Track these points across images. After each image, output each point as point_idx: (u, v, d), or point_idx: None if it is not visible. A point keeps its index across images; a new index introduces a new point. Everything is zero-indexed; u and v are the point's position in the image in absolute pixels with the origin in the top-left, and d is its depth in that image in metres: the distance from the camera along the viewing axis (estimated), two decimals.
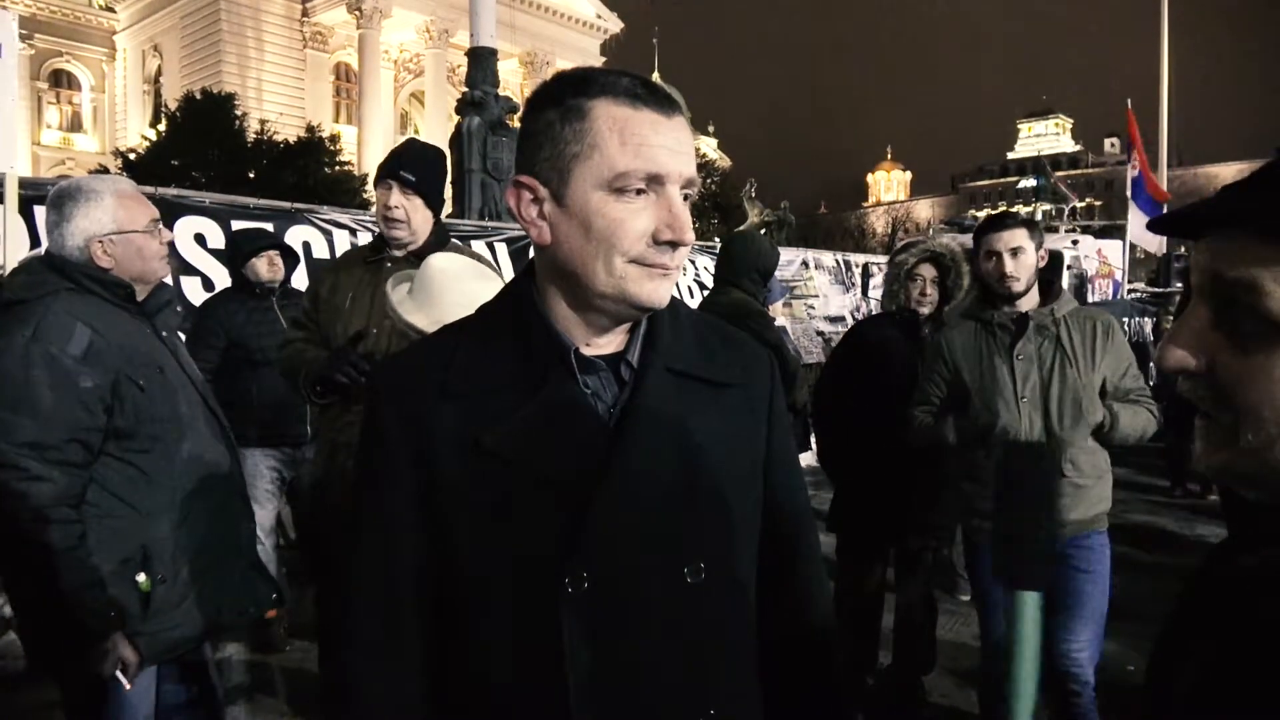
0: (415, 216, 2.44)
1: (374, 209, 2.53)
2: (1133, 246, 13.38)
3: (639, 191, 0.87)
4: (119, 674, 1.81)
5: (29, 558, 1.74)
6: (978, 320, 2.65)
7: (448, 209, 8.75)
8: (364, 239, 4.79)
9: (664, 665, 0.92)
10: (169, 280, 2.13)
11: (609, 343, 0.96)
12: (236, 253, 3.83)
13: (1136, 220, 12.18)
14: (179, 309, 2.28)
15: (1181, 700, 0.61)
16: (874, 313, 3.42)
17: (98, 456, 1.84)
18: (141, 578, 1.86)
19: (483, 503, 0.90)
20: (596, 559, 0.89)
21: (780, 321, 4.46)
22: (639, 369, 0.95)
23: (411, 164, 2.44)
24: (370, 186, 2.65)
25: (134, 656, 1.83)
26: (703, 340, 1.02)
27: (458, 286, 2.03)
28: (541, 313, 0.95)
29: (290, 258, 3.92)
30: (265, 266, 3.75)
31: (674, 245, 0.89)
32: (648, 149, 0.87)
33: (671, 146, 0.88)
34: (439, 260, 2.14)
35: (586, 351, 0.94)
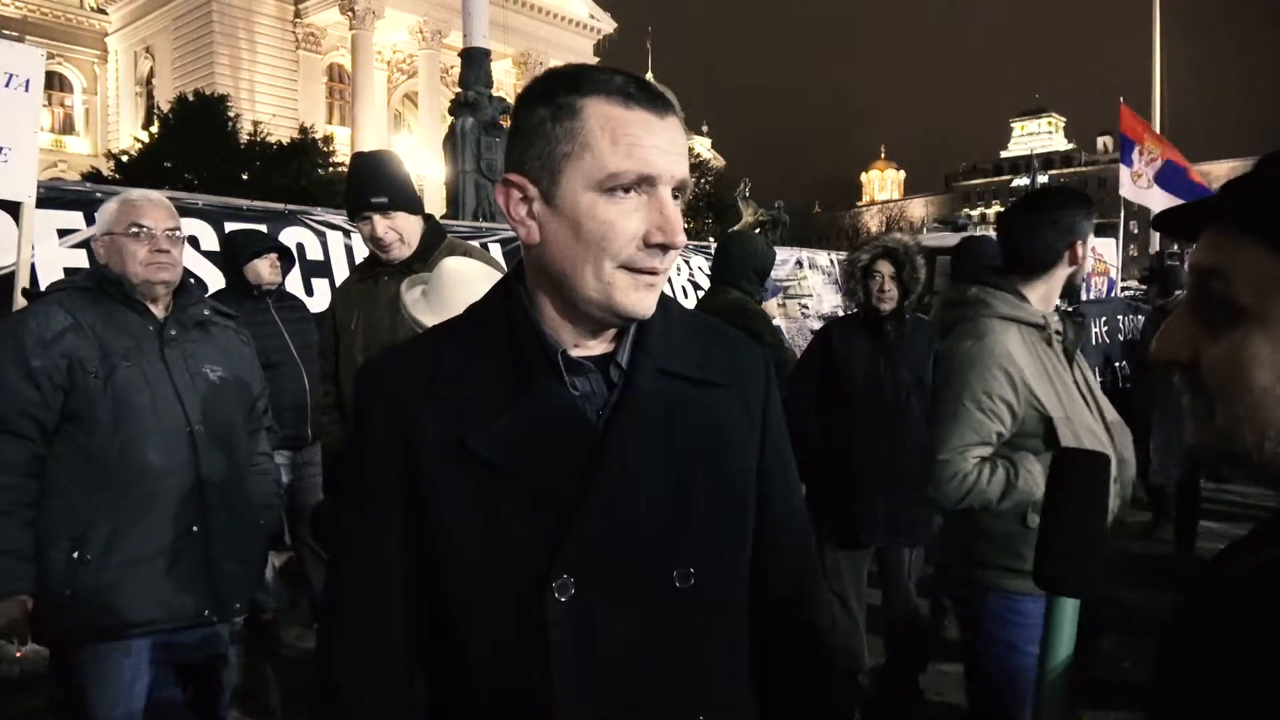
0: (406, 228, 2.41)
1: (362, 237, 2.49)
2: (1127, 245, 13.35)
3: (630, 192, 0.86)
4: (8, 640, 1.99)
5: None
6: (1023, 323, 1.99)
7: (442, 209, 8.75)
8: (358, 240, 4.75)
9: (652, 670, 0.91)
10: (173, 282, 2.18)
11: (598, 344, 0.95)
12: (237, 254, 3.78)
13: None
14: (206, 312, 2.30)
15: (1183, 700, 0.61)
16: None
17: (55, 433, 1.99)
18: (74, 554, 1.97)
19: (468, 505, 0.89)
20: (582, 563, 0.88)
21: (775, 320, 4.47)
22: (629, 370, 0.94)
23: (377, 186, 2.36)
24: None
25: (27, 628, 1.97)
26: (695, 340, 1.00)
27: (469, 288, 2.03)
28: (529, 314, 0.93)
29: (287, 260, 3.89)
30: (267, 268, 3.70)
31: (664, 248, 0.87)
32: (639, 149, 0.85)
33: (664, 147, 0.87)
34: (452, 262, 2.14)
35: (575, 353, 0.93)
